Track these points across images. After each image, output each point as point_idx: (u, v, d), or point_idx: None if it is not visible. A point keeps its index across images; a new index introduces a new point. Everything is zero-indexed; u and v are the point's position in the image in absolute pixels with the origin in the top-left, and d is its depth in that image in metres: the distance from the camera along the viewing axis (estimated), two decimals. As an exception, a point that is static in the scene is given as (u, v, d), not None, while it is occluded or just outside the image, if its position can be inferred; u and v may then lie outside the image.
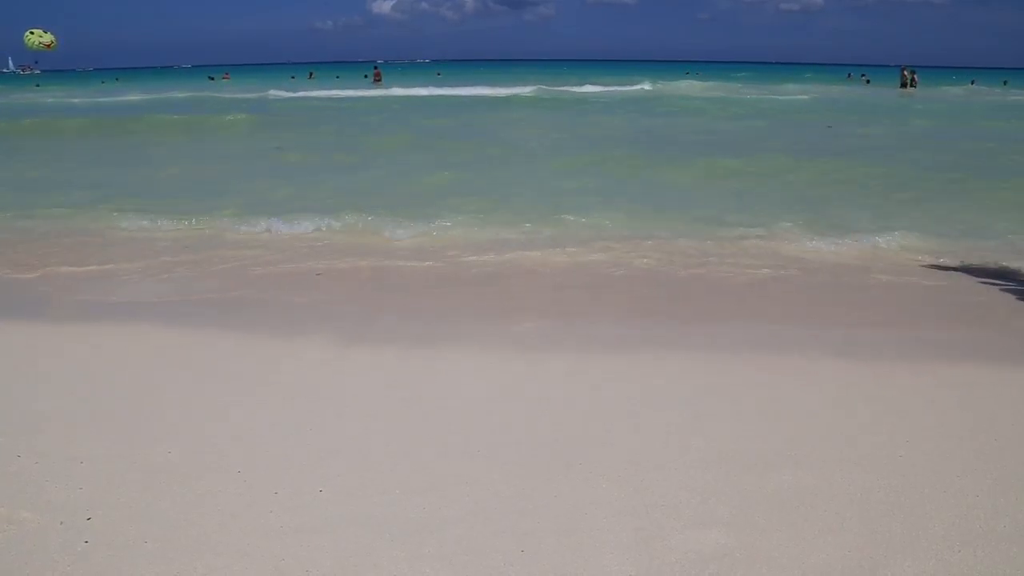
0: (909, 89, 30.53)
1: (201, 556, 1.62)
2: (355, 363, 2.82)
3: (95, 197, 6.75)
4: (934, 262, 4.39)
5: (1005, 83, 36.43)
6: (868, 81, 36.26)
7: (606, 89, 24.18)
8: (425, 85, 25.04)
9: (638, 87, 25.44)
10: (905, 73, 32.81)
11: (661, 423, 2.28)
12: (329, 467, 2.01)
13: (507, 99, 19.48)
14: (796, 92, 22.86)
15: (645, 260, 4.55)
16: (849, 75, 44.44)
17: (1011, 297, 3.77)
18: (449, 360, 2.84)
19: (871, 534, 1.70)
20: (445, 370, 2.73)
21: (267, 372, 2.72)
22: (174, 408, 2.40)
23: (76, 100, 21.09)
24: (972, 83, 33.01)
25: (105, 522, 1.75)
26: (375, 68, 43.12)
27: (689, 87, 25.92)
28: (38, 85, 43.57)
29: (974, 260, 4.39)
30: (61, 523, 1.74)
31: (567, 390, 2.55)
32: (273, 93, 21.28)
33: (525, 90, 21.74)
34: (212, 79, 45.48)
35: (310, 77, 42.97)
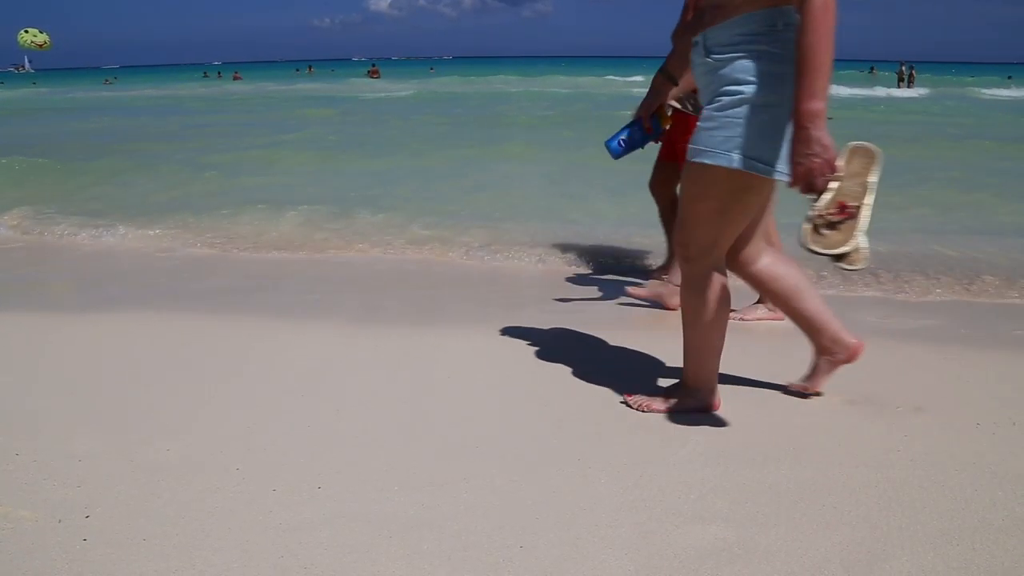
0: (903, 85, 30.51)
1: (200, 553, 1.62)
2: (353, 360, 2.82)
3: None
4: None
5: (1009, 78, 36.63)
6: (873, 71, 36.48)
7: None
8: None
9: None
10: (902, 69, 32.75)
11: (659, 418, 2.28)
12: (327, 464, 2.01)
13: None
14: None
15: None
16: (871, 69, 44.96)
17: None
18: (448, 357, 2.84)
19: (869, 528, 1.70)
20: (443, 366, 2.73)
21: (265, 369, 2.72)
22: (173, 404, 2.40)
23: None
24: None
25: (103, 520, 1.74)
26: (373, 66, 44.07)
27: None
28: (35, 83, 43.65)
29: None
30: (59, 521, 1.74)
31: (566, 385, 2.55)
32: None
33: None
34: (207, 75, 45.79)
35: (309, 71, 43.65)
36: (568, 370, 2.70)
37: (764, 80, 1.90)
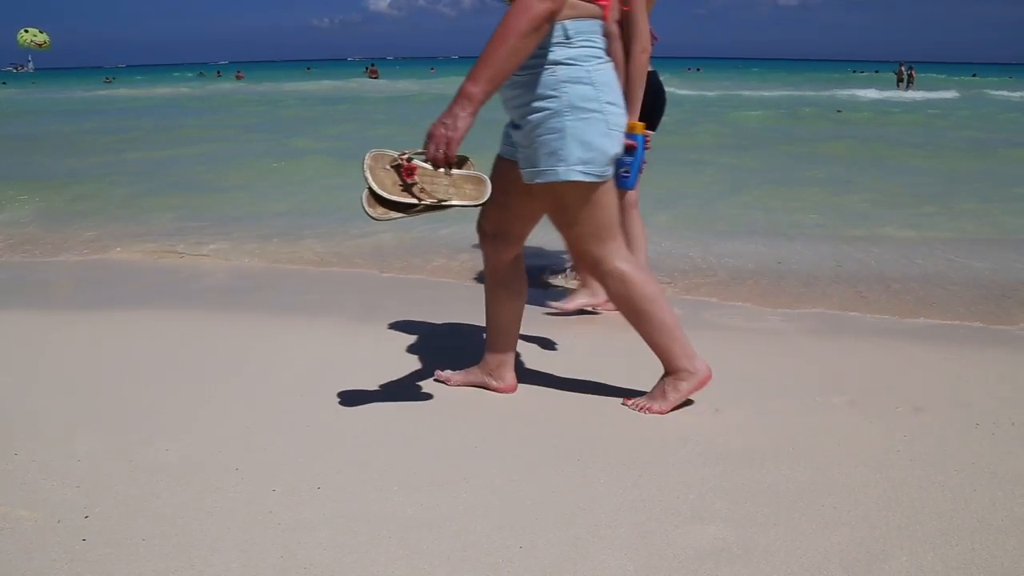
0: (902, 87, 30.41)
1: (199, 553, 1.62)
2: (353, 360, 2.82)
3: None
4: None
5: (1009, 79, 36.84)
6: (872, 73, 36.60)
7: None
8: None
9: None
10: (902, 69, 32.66)
11: (658, 418, 2.28)
12: (327, 464, 2.01)
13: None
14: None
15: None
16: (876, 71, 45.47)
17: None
18: (447, 357, 2.84)
19: (869, 528, 1.70)
20: (443, 366, 2.73)
21: (265, 369, 2.72)
22: (173, 404, 2.40)
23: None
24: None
25: (103, 520, 1.74)
26: (372, 65, 44.43)
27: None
28: (34, 83, 43.80)
29: None
30: (59, 521, 1.74)
31: (565, 385, 2.55)
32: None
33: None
34: (203, 75, 46.05)
35: (307, 71, 44.00)
36: (567, 370, 2.70)
37: (564, 90, 1.98)
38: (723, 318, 3.40)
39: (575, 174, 2.01)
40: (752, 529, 1.70)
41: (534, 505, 1.81)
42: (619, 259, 2.18)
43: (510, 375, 2.49)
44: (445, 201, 1.89)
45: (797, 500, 1.82)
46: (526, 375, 2.64)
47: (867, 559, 1.59)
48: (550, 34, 1.94)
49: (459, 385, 2.52)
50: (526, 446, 2.11)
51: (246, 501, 1.82)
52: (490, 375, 2.49)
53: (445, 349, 2.92)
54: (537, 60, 1.97)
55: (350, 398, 2.44)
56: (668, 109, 3.41)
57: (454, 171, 1.91)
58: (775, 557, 1.60)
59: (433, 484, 1.90)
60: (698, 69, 51.85)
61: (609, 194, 2.13)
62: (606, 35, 2.12)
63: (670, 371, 2.31)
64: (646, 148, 2.67)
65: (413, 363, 2.77)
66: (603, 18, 2.07)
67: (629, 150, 2.52)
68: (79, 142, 11.92)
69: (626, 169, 2.62)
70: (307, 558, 1.60)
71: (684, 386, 2.29)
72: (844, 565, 1.57)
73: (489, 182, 1.96)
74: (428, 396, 2.47)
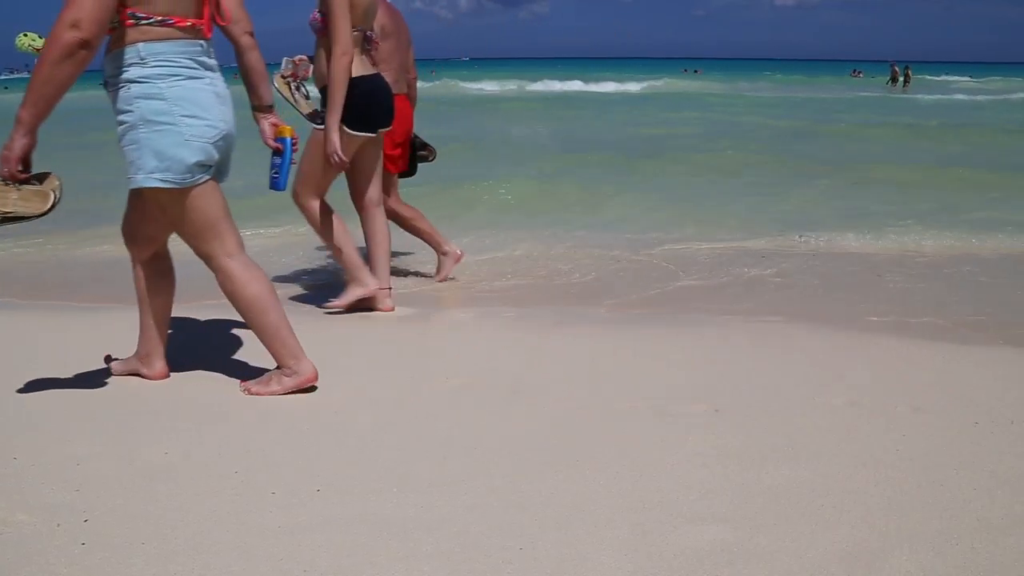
0: (895, 86, 30.26)
1: (199, 556, 1.61)
2: (351, 360, 2.82)
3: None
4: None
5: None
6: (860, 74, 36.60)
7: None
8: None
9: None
10: (895, 69, 32.54)
11: (658, 419, 2.28)
12: (326, 466, 2.01)
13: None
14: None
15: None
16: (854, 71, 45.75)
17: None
18: (447, 357, 2.84)
19: (868, 528, 1.70)
20: (443, 366, 2.73)
21: (264, 369, 2.72)
22: (172, 405, 2.39)
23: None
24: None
25: (102, 523, 1.74)
26: None
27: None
28: (6, 88, 43.47)
29: None
30: (58, 525, 1.73)
31: (565, 384, 2.55)
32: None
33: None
34: None
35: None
36: (567, 370, 2.70)
37: (138, 105, 2.15)
38: (723, 318, 3.40)
39: (153, 181, 2.19)
40: (752, 529, 1.70)
41: (533, 506, 1.81)
42: (224, 256, 2.35)
43: (160, 363, 2.62)
44: (10, 213, 2.10)
45: (797, 500, 1.82)
46: (526, 376, 2.65)
47: (867, 559, 1.59)
48: (123, 56, 2.14)
49: (119, 374, 2.63)
50: (525, 447, 2.11)
51: (246, 504, 1.82)
52: (141, 363, 2.62)
53: (445, 350, 2.92)
54: (116, 79, 2.17)
55: (350, 399, 2.44)
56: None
57: (23, 187, 2.10)
58: (775, 557, 1.60)
59: (433, 485, 1.90)
60: (696, 71, 51.70)
61: (201, 198, 2.27)
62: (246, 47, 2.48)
63: (277, 365, 2.46)
64: (294, 150, 2.73)
65: (413, 364, 2.77)
66: (203, 36, 2.25)
67: (277, 153, 2.65)
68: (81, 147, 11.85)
69: (276, 171, 2.72)
70: (307, 560, 1.60)
71: (287, 381, 2.44)
72: (844, 565, 1.57)
73: (52, 197, 2.13)
74: (427, 397, 2.47)
